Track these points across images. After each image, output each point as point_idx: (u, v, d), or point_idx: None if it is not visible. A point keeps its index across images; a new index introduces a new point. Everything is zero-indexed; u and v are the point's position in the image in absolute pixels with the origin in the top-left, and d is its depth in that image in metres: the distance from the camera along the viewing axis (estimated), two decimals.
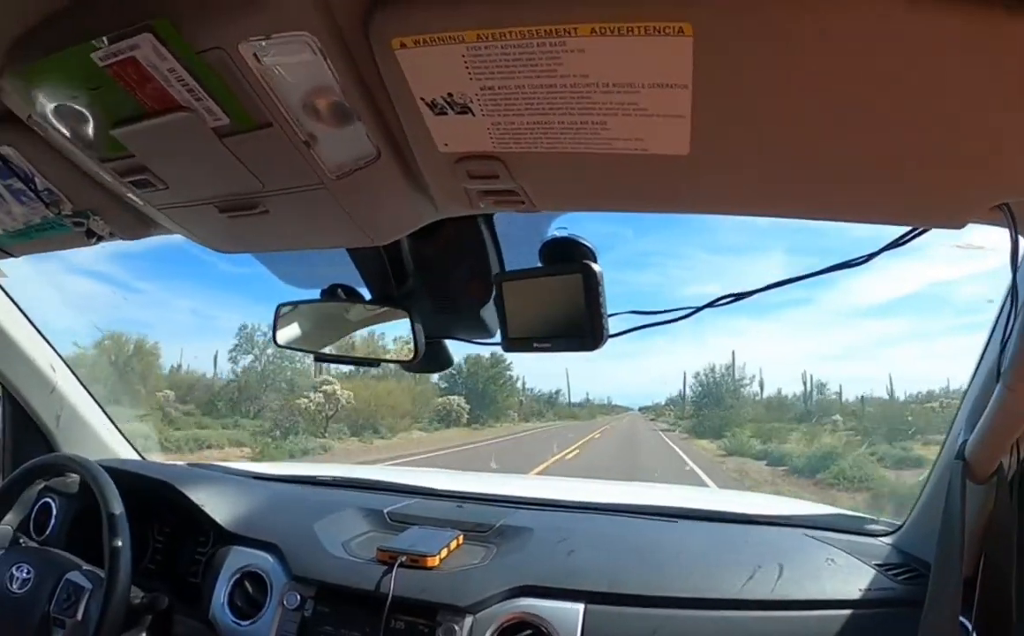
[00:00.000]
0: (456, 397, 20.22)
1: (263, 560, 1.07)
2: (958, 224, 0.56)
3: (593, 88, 0.46)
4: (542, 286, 0.76)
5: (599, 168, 0.54)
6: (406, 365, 0.97)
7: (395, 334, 0.97)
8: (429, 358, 0.93)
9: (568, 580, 0.94)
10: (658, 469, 11.64)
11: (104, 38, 0.46)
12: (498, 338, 0.82)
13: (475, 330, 0.93)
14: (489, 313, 0.89)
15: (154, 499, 1.22)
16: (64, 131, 0.58)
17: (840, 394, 21.64)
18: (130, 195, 0.70)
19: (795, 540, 1.03)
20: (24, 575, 1.00)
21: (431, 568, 0.98)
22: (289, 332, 1.02)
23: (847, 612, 0.87)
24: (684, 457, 13.46)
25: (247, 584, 1.07)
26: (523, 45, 0.43)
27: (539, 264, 0.77)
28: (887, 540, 1.03)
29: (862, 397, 20.18)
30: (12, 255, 0.96)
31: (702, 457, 13.93)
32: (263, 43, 0.46)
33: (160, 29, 0.45)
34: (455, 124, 0.51)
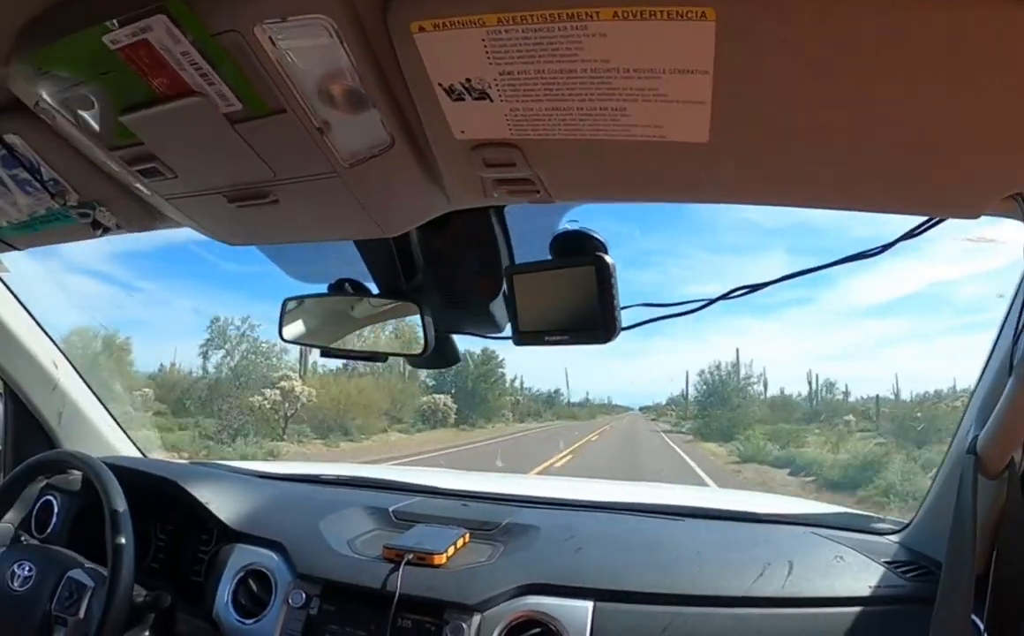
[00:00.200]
0: (442, 396, 19.02)
1: (267, 558, 1.06)
2: (973, 214, 0.56)
3: (613, 73, 0.45)
4: (554, 278, 0.75)
5: (616, 156, 0.53)
6: (415, 360, 0.96)
7: (396, 328, 0.96)
8: (437, 353, 0.93)
9: (576, 578, 0.93)
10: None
11: (115, 20, 0.45)
12: (508, 332, 0.81)
13: (485, 324, 0.93)
14: (499, 307, 0.89)
15: (157, 497, 1.21)
16: (72, 118, 0.57)
17: (847, 394, 21.22)
18: (137, 185, 0.69)
19: (803, 538, 1.02)
20: (25, 573, 0.98)
21: (438, 566, 0.97)
22: (295, 328, 1.01)
23: (857, 609, 0.87)
24: (694, 466, 11.93)
25: (251, 582, 1.05)
26: (544, 29, 0.43)
27: (549, 258, 0.76)
28: (894, 538, 1.03)
29: (876, 397, 19.67)
30: (16, 248, 0.95)
31: (713, 464, 12.62)
32: (279, 26, 0.45)
33: (174, 10, 0.44)
34: (472, 110, 0.51)
